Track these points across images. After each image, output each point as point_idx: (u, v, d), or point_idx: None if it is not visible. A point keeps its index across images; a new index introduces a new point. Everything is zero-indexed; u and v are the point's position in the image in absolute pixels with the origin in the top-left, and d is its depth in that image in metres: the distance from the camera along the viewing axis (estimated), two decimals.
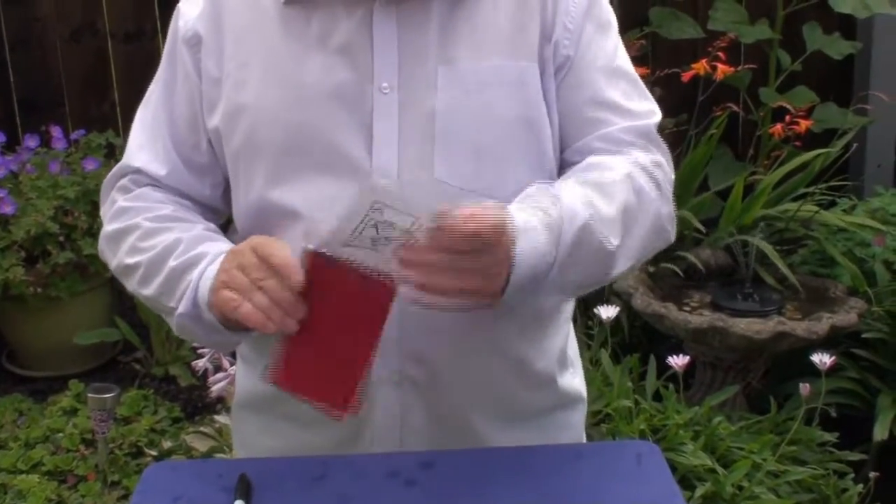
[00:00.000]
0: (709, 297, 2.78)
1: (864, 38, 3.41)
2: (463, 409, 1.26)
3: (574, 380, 1.38)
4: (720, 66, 2.92)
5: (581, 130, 1.24)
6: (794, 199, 2.93)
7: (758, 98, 3.15)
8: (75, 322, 3.15)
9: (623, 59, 1.28)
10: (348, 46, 1.19)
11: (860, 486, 2.30)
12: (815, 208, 2.88)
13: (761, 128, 3.13)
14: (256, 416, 1.34)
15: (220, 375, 2.25)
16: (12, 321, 3.22)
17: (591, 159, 1.22)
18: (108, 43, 3.56)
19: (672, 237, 1.25)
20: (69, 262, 3.01)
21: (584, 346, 2.57)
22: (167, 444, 2.58)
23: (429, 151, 1.18)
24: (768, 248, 2.72)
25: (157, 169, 1.27)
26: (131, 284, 1.26)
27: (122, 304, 3.32)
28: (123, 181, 1.30)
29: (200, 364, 2.29)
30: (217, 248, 1.19)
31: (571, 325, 1.40)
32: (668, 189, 1.24)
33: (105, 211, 1.31)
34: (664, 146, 1.27)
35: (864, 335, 2.68)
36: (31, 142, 3.24)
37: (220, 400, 2.49)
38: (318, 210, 1.18)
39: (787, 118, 2.93)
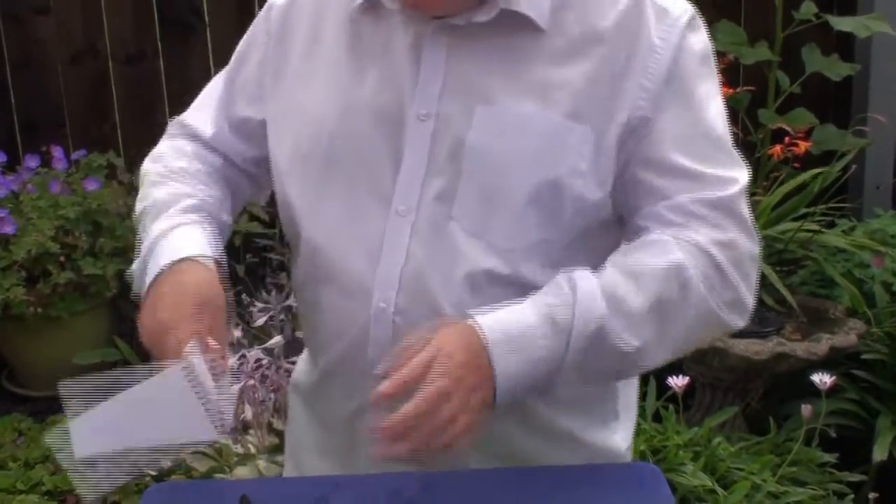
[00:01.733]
0: None
1: (863, 60, 3.43)
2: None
3: (614, 436, 1.30)
4: None
5: (650, 196, 1.15)
6: (794, 220, 2.94)
7: (757, 119, 3.16)
8: (75, 342, 3.14)
9: (713, 118, 1.17)
10: (399, 66, 1.19)
11: None
12: (815, 228, 2.88)
13: (760, 149, 3.14)
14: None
15: None
16: (12, 341, 3.22)
17: (648, 237, 1.14)
18: (109, 65, 3.57)
19: (739, 323, 1.16)
20: (69, 282, 3.01)
21: None
22: (166, 464, 2.57)
23: (452, 187, 1.16)
24: (767, 269, 2.72)
25: (205, 129, 1.35)
26: None
27: (122, 324, 3.32)
28: (174, 128, 1.38)
29: None
30: (157, 229, 1.22)
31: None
32: (737, 272, 1.14)
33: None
34: (744, 217, 1.16)
35: (863, 356, 2.69)
36: (32, 162, 3.24)
37: None
38: (332, 235, 1.20)
39: (787, 139, 2.94)
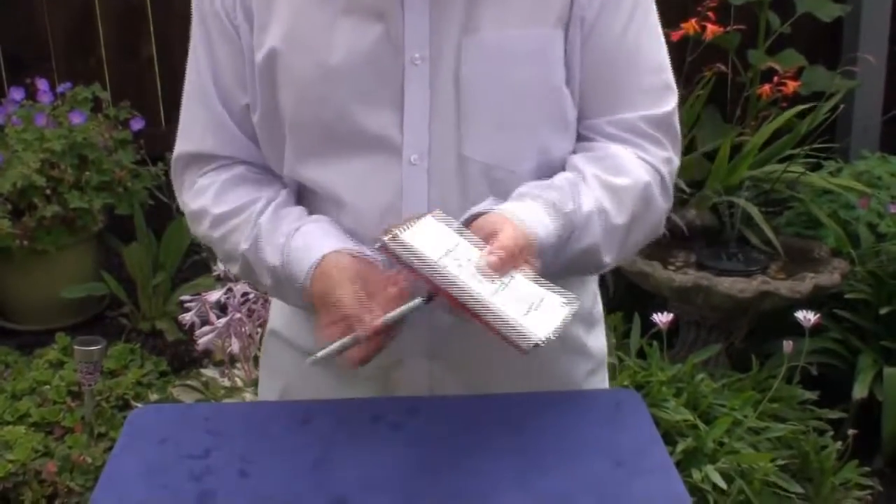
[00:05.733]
0: (694, 257, 2.79)
1: (854, 1, 3.41)
2: (496, 382, 1.25)
3: (600, 338, 1.37)
4: (709, 27, 2.92)
5: (594, 108, 1.20)
6: (781, 161, 2.94)
7: (746, 60, 3.15)
8: (62, 276, 3.14)
9: (649, 34, 1.21)
10: (379, 13, 1.14)
11: (839, 444, 2.34)
12: (801, 169, 2.89)
13: (749, 89, 3.13)
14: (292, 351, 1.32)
15: (206, 329, 2.25)
16: None
17: (610, 150, 1.19)
18: None
19: (661, 232, 1.26)
20: (56, 215, 3.00)
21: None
22: (154, 397, 2.59)
23: (458, 126, 1.16)
24: (754, 210, 2.74)
25: (216, 147, 1.24)
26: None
27: (110, 258, 3.32)
28: (184, 171, 1.26)
29: (187, 318, 2.29)
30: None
31: (597, 285, 1.38)
32: (671, 184, 1.23)
33: (182, 202, 1.28)
34: (678, 133, 1.23)
35: (846, 296, 2.71)
36: (17, 94, 3.21)
37: (207, 354, 2.50)
38: (351, 191, 1.18)
39: (775, 79, 2.93)
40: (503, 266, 1.03)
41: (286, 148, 1.21)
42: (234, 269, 1.25)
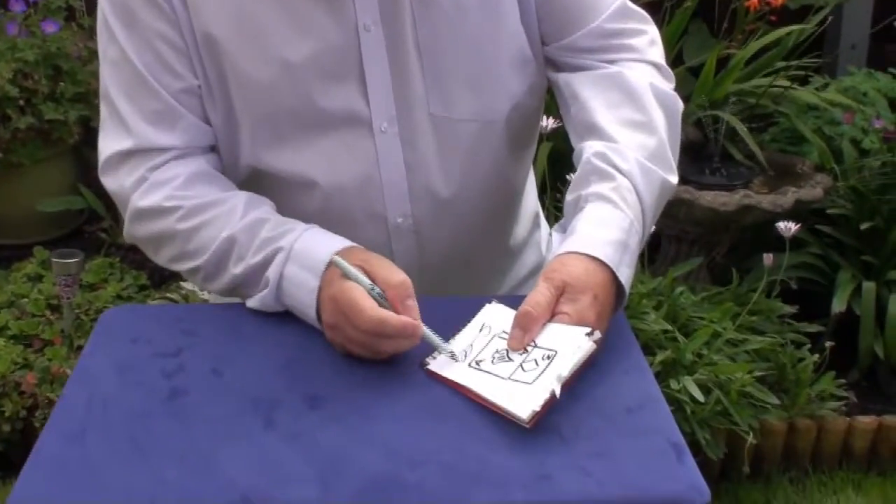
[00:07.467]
0: None
1: None
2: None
3: (543, 232, 1.40)
4: None
5: (564, 28, 1.18)
6: (767, 76, 2.91)
7: None
8: (39, 190, 3.10)
9: None
10: None
11: (816, 356, 2.36)
12: (787, 83, 2.86)
13: (737, 2, 3.08)
14: None
15: None
16: None
17: (606, 73, 1.17)
18: None
19: (681, 107, 1.23)
20: (31, 127, 2.95)
21: (554, 218, 2.58)
22: None
23: (421, 87, 1.14)
24: (738, 125, 2.71)
25: (167, 137, 1.14)
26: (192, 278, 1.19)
27: (87, 172, 3.27)
28: (133, 172, 1.14)
29: None
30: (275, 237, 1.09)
31: (534, 183, 1.40)
32: (663, 59, 1.22)
33: (124, 209, 1.17)
34: (639, 9, 1.23)
35: (828, 211, 2.71)
36: None
37: None
38: (324, 171, 1.15)
39: None
40: (526, 336, 1.00)
41: (241, 136, 1.16)
42: (198, 262, 1.13)
